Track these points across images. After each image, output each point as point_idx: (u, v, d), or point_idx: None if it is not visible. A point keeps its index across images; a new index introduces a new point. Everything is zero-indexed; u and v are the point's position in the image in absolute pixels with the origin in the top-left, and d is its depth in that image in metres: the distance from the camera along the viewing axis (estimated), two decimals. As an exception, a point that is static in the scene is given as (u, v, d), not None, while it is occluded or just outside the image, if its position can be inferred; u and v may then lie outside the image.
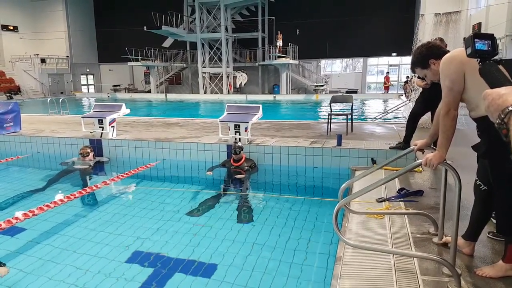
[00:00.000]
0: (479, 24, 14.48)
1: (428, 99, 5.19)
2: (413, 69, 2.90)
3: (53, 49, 30.28)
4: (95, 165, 6.67)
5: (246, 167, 5.91)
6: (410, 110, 5.95)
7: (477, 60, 1.88)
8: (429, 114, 5.63)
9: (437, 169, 5.02)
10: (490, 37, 1.91)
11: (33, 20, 30.71)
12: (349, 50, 27.57)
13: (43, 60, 29.02)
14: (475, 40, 1.86)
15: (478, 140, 2.65)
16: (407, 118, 5.63)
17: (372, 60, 29.07)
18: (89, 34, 33.32)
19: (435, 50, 2.68)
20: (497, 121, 0.91)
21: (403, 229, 3.24)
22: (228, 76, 26.36)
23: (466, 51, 1.93)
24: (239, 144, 6.04)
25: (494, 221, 2.92)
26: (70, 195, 4.96)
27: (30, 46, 29.77)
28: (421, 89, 5.46)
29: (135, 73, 33.68)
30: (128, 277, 3.03)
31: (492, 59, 1.86)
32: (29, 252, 3.54)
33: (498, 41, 2.06)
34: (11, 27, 29.25)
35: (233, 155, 5.95)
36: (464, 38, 2.45)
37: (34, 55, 28.66)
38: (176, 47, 29.96)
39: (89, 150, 6.65)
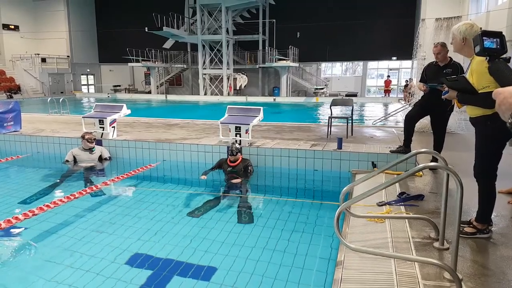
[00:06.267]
0: (480, 29, 14.52)
1: (426, 104, 5.20)
2: None
3: (54, 49, 30.29)
4: (99, 161, 6.74)
5: (242, 168, 5.80)
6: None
7: (486, 59, 1.85)
8: (429, 118, 5.65)
9: (438, 174, 5.04)
10: (499, 35, 1.86)
11: (34, 20, 30.74)
12: (349, 54, 27.63)
13: (43, 60, 29.02)
14: (484, 38, 1.81)
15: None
16: (404, 121, 5.64)
17: (372, 64, 29.12)
18: (90, 34, 33.34)
19: None
20: (510, 121, 0.89)
21: (404, 234, 3.24)
22: (228, 78, 26.38)
23: (474, 50, 1.90)
24: (237, 145, 5.92)
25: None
26: (70, 195, 4.95)
27: (31, 46, 29.78)
28: (422, 94, 5.46)
29: (136, 74, 33.70)
30: (127, 278, 3.02)
31: (501, 57, 1.82)
32: (28, 253, 3.53)
33: None
34: (12, 26, 29.27)
35: (229, 156, 5.82)
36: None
37: (35, 54, 28.67)
38: (177, 49, 29.99)
39: (94, 137, 6.73)
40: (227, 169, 5.87)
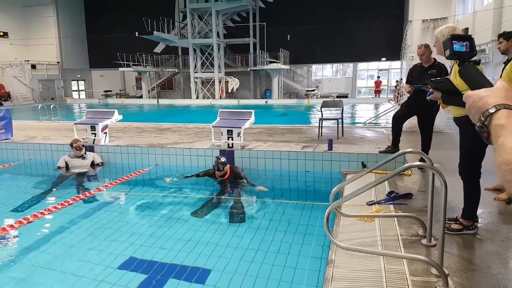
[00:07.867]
0: (466, 29, 14.78)
1: (412, 105, 5.30)
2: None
3: (44, 55, 30.06)
4: (92, 167, 6.73)
5: (233, 178, 5.71)
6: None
7: (456, 62, 1.94)
8: (416, 117, 5.75)
9: (426, 172, 5.14)
10: (468, 38, 1.95)
11: (24, 26, 30.48)
12: (340, 55, 27.85)
13: (33, 66, 28.80)
14: (453, 41, 1.89)
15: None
16: (391, 121, 5.73)
17: (362, 65, 29.39)
18: (80, 40, 33.17)
19: None
20: (478, 124, 0.87)
21: (392, 231, 3.32)
22: (220, 81, 26.43)
23: (444, 54, 1.99)
24: (222, 160, 5.71)
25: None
26: (64, 202, 4.96)
27: (21, 52, 29.52)
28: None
29: (127, 79, 33.56)
30: (122, 283, 3.05)
31: (471, 60, 1.91)
32: (23, 259, 3.54)
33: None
34: (1, 33, 28.98)
35: (216, 171, 5.68)
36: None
37: (25, 61, 28.42)
38: (168, 53, 29.96)
39: (82, 144, 6.72)
40: (216, 179, 5.80)
